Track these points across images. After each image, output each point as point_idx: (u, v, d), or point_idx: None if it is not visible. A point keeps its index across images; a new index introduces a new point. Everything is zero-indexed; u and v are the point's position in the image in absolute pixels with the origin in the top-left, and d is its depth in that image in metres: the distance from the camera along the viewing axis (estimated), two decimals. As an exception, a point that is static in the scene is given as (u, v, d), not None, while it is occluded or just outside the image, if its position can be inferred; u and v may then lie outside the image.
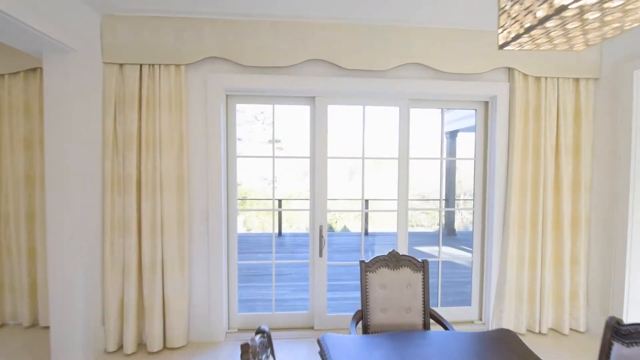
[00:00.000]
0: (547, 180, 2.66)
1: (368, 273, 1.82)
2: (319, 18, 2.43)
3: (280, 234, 7.59)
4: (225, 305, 2.66)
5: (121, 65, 2.40)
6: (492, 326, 2.73)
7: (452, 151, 6.86)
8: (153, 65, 2.40)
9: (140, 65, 2.40)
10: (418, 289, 1.83)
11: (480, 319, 2.88)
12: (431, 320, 1.87)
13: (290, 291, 3.80)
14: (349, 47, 2.47)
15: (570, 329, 2.75)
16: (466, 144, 6.48)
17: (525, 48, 0.97)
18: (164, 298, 2.47)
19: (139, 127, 2.41)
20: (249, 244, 6.25)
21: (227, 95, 2.60)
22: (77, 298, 2.23)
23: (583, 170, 2.68)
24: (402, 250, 2.75)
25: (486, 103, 2.79)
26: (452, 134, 6.79)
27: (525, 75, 2.63)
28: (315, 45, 2.45)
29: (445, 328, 1.70)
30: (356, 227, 8.68)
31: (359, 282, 4.41)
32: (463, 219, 8.14)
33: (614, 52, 2.59)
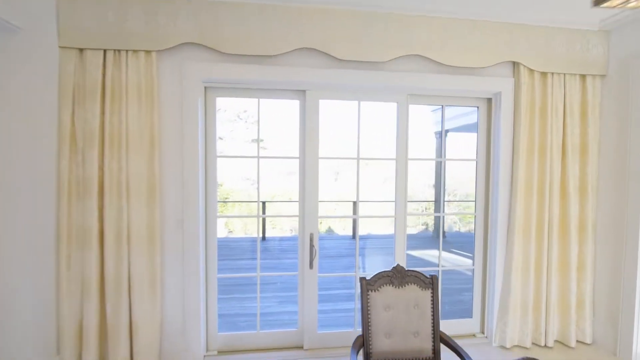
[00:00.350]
0: (553, 182, 2.49)
1: (370, 292, 1.57)
2: (312, 2, 2.17)
3: (264, 237, 7.26)
4: (203, 324, 2.35)
5: (81, 50, 2.06)
6: (496, 340, 2.54)
7: (441, 153, 6.73)
8: (119, 51, 2.08)
9: (104, 51, 2.07)
10: (427, 309, 1.59)
11: (483, 332, 2.68)
12: (441, 345, 1.64)
13: (276, 303, 3.51)
14: (344, 35, 2.22)
15: (577, 341, 2.59)
16: (456, 145, 6.38)
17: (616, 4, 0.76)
18: (131, 319, 2.14)
19: (102, 122, 2.08)
20: (231, 250, 5.91)
21: (205, 88, 2.30)
22: (24, 324, 1.87)
23: (590, 171, 2.53)
24: (401, 257, 2.52)
25: (489, 100, 2.60)
26: (442, 134, 6.65)
27: (530, 71, 2.46)
28: (306, 32, 2.19)
29: (460, 356, 1.47)
30: (343, 228, 8.45)
31: (350, 291, 4.19)
32: (449, 220, 8.06)
33: (622, 47, 2.45)
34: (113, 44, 2.05)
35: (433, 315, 1.58)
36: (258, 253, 2.50)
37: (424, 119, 6.95)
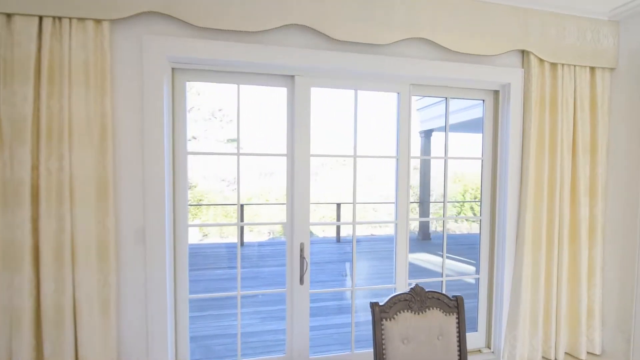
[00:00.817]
0: (563, 183, 2.29)
1: (384, 321, 1.25)
2: (302, -30, 1.83)
3: (242, 243, 6.81)
4: (172, 352, 1.95)
5: (9, 15, 1.61)
6: (504, 356, 2.31)
7: (426, 152, 6.58)
8: (60, 18, 1.64)
9: (40, 18, 1.63)
10: (452, 339, 1.30)
11: (489, 347, 2.45)
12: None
13: (259, 320, 3.11)
14: (341, 12, 1.90)
15: (587, 352, 2.41)
16: (440, 145, 6.24)
17: None
18: (77, 356, 1.70)
19: (37, 109, 1.64)
20: (206, 258, 5.40)
21: (173, 69, 1.90)
22: None
23: (600, 171, 2.36)
24: (402, 268, 2.23)
25: (496, 92, 2.37)
26: (427, 134, 6.51)
27: (541, 61, 2.24)
28: (297, 6, 1.84)
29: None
30: (323, 230, 8.11)
31: (341, 302, 3.87)
32: (435, 222, 7.95)
33: (632, 39, 2.29)
34: (52, 9, 1.61)
35: (460, 347, 1.29)
36: (238, 269, 2.12)
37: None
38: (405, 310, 1.28)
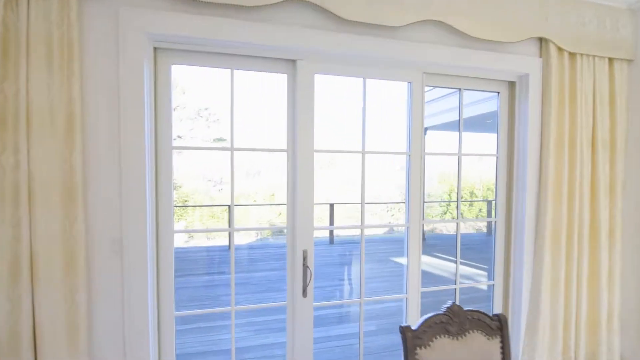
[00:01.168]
0: (583, 182, 2.14)
1: (418, 349, 1.03)
2: (306, -62, 1.60)
3: (229, 246, 6.49)
4: (155, 382, 1.68)
5: (-51, -22, 1.31)
6: (522, 368, 2.14)
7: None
8: (15, -16, 1.35)
9: (-10, -17, 1.33)
10: (496, 366, 1.09)
11: (504, 359, 2.27)
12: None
13: (252, 333, 2.82)
14: (349, -13, 1.68)
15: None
16: (437, 143, 6.09)
17: None
18: (39, 391, 1.41)
19: (-14, 92, 1.34)
20: (193, 262, 5.07)
21: (156, 49, 1.63)
22: None
23: (619, 169, 2.22)
24: (414, 272, 2.03)
25: (512, 84, 2.19)
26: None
27: (560, 50, 2.08)
28: (299, -22, 1.61)
29: None
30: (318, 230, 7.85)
31: (340, 310, 3.63)
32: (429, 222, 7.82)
33: (653, 28, 2.16)
34: (4, -28, 1.33)
35: (505, 376, 1.08)
36: (232, 281, 1.86)
37: (398, 116, 6.62)
38: (443, 335, 1.06)
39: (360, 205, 2.06)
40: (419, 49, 1.85)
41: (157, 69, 1.64)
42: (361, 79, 1.89)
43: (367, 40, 1.76)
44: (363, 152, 1.93)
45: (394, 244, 6.69)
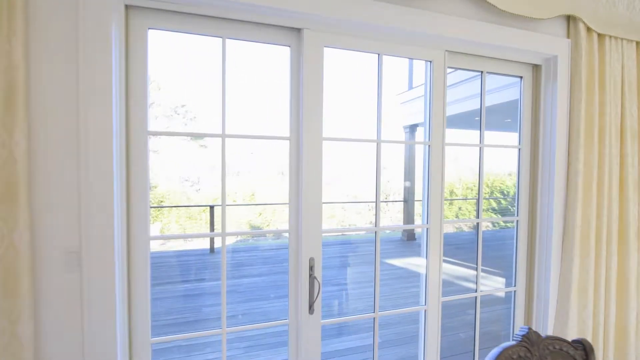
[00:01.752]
0: (612, 176, 1.96)
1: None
2: None
3: (212, 249, 6.08)
4: None
5: None
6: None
7: (411, 148, 6.25)
8: None
9: None
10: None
11: (528, 373, 2.05)
12: None
13: (242, 350, 2.48)
14: (366, -58, 1.40)
15: (632, 372, 2.10)
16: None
17: None
18: None
19: None
20: (170, 268, 4.62)
21: (127, 7, 1.29)
22: None
23: (647, 162, 2.05)
24: (434, 280, 1.78)
25: (536, 67, 1.98)
26: (412, 128, 6.18)
27: (589, 31, 1.89)
28: None
29: None
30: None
31: (345, 322, 3.32)
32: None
33: (682, 10, 2.00)
34: None
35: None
36: (223, 296, 1.53)
37: (390, 111, 6.40)
38: (519, 372, 0.81)
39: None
40: (442, 20, 1.60)
41: (129, 33, 1.30)
42: (376, 56, 1.62)
43: (386, 8, 1.49)
44: (378, 142, 1.66)
45: (384, 244, 6.50)
